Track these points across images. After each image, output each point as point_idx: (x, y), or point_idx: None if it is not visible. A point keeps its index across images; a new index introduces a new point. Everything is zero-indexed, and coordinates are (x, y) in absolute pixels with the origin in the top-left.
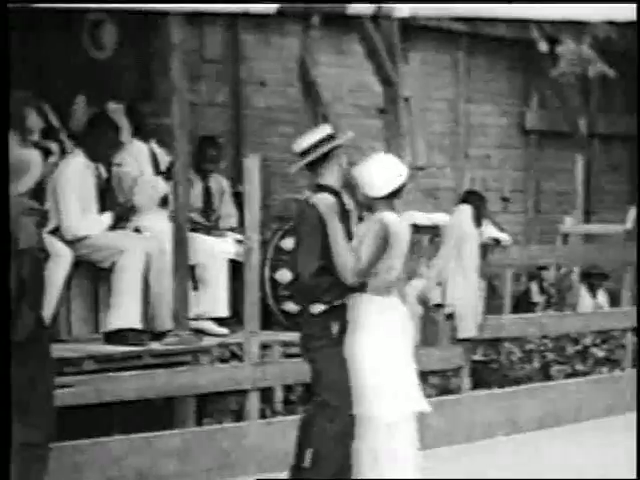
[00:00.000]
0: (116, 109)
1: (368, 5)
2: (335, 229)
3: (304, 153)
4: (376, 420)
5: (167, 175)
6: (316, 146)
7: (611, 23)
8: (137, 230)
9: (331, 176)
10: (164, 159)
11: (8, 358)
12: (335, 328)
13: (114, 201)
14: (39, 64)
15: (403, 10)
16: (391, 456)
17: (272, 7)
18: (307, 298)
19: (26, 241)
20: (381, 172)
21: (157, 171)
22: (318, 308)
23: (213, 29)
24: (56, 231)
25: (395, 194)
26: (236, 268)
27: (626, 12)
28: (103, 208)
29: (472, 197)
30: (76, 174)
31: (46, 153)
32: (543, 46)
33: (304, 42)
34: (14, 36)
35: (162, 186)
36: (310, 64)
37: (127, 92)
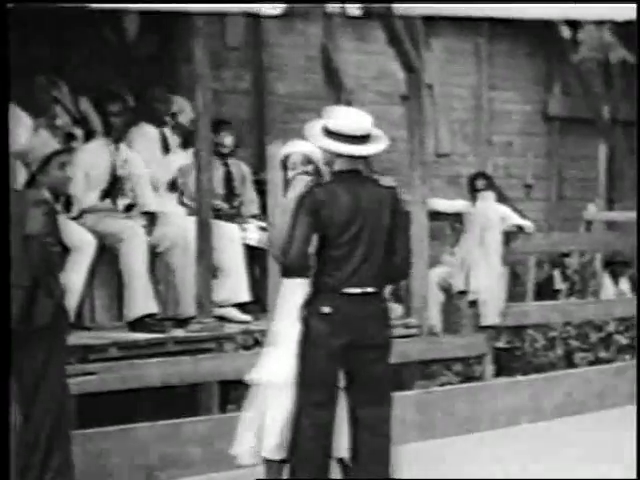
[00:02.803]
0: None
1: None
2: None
3: None
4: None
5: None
6: None
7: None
8: (147, 214)
9: None
10: (175, 143)
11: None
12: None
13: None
14: (63, 51)
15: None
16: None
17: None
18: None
19: (33, 228)
20: None
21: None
22: None
23: (235, 16)
24: (79, 216)
25: None
26: (259, 255)
27: (626, 12)
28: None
29: (486, 180)
30: (88, 156)
31: (70, 138)
32: (565, 31)
33: (326, 28)
34: (36, 22)
35: (171, 170)
36: (332, 51)
37: (150, 79)
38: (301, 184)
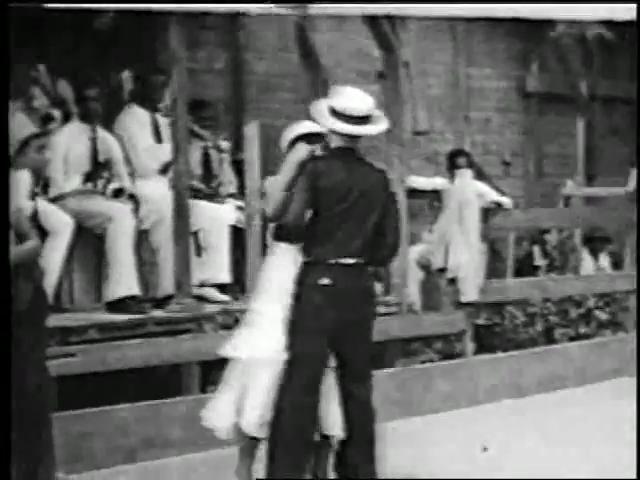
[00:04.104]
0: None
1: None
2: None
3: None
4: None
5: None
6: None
7: None
8: (132, 197)
9: None
10: (167, 129)
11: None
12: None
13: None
14: (40, 32)
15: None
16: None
17: None
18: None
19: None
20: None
21: (159, 139)
22: None
23: None
24: (58, 199)
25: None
26: (237, 235)
27: (626, 12)
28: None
29: (464, 157)
30: (65, 139)
31: (48, 120)
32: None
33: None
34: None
35: (163, 154)
36: (308, 29)
37: (128, 59)
38: (303, 150)
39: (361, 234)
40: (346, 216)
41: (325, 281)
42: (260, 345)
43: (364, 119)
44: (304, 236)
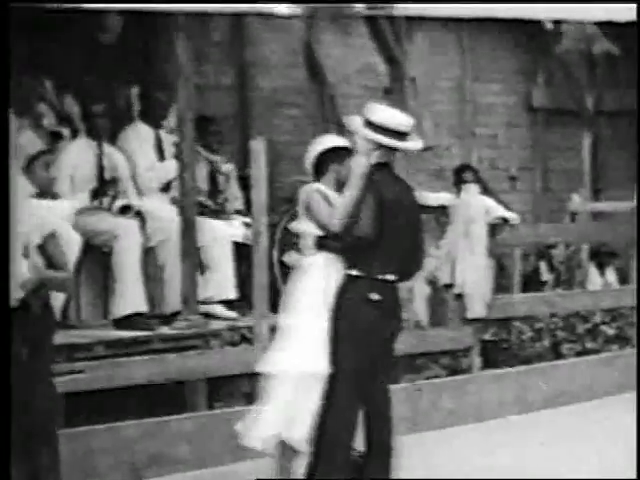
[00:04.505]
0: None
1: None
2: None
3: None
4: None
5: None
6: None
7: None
8: (139, 214)
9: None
10: (170, 147)
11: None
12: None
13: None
14: (46, 48)
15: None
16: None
17: None
18: None
19: None
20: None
21: (161, 157)
22: None
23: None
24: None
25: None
26: (244, 251)
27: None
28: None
29: (471, 173)
30: (72, 156)
31: (57, 137)
32: (548, 24)
33: (308, 23)
34: (16, 20)
35: (166, 171)
36: (315, 45)
37: (135, 75)
38: (364, 162)
39: (401, 250)
40: (395, 232)
41: (376, 297)
42: (306, 359)
43: (403, 135)
44: (359, 249)
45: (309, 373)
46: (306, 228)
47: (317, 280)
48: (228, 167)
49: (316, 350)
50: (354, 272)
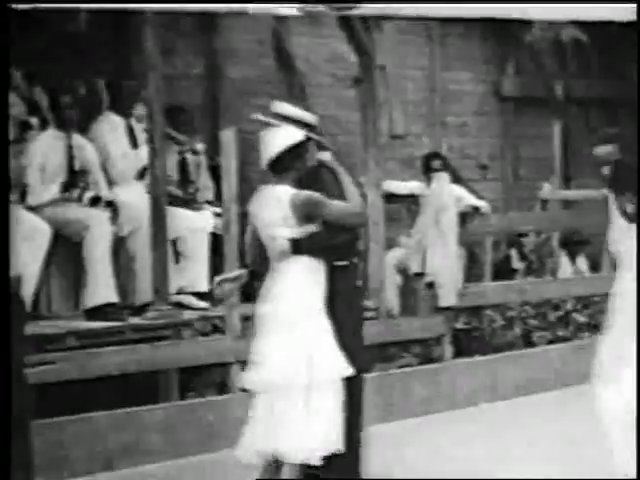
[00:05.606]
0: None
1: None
2: None
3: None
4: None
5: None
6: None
7: None
8: (110, 204)
9: None
10: (142, 135)
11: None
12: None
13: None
14: (14, 38)
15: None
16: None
17: None
18: None
19: None
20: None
21: (134, 145)
22: None
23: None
24: (37, 207)
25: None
26: (215, 241)
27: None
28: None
29: (440, 161)
30: (41, 147)
31: (26, 128)
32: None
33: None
34: None
35: (139, 159)
36: (284, 34)
37: (103, 65)
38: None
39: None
40: None
41: (359, 283)
42: (285, 372)
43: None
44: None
45: (289, 385)
46: (282, 233)
47: (296, 284)
48: (201, 147)
49: (330, 354)
50: (342, 263)
